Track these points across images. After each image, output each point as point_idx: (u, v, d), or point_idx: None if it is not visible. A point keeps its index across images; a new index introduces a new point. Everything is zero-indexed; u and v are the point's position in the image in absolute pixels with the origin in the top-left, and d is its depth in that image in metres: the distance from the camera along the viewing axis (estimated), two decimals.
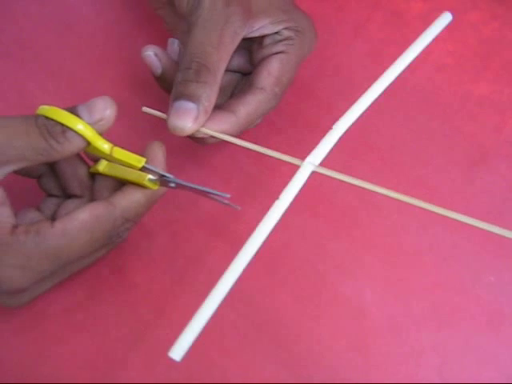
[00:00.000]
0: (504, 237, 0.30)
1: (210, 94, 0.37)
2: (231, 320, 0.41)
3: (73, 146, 0.34)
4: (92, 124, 0.34)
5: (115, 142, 0.36)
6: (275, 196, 0.34)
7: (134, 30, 0.51)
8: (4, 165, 0.33)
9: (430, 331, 0.40)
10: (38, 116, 0.34)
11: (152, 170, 0.36)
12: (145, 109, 0.38)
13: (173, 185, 0.36)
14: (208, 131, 0.38)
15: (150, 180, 0.36)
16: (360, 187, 0.33)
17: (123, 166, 0.36)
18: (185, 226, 0.44)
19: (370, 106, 0.37)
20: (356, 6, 0.50)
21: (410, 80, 0.47)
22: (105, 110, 0.34)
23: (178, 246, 0.43)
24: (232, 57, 0.42)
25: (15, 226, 0.34)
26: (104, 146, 0.35)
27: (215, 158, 0.46)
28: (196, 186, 0.36)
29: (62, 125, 0.34)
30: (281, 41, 0.41)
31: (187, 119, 0.37)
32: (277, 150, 0.36)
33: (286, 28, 0.41)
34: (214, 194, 0.35)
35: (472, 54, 0.48)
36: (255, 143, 0.36)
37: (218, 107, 0.39)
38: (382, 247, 0.43)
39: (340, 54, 0.48)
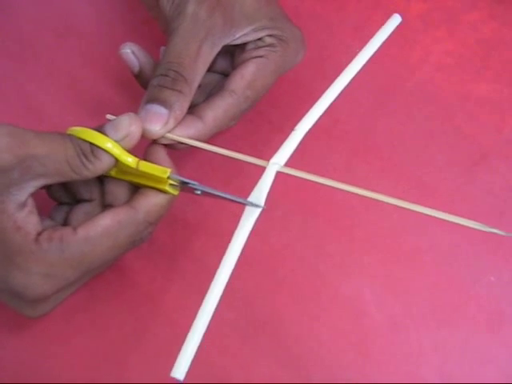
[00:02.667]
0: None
1: (183, 104, 0.37)
2: (231, 320, 0.41)
3: (103, 164, 0.35)
4: (118, 141, 0.35)
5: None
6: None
7: (134, 31, 0.51)
8: (41, 177, 0.33)
9: (429, 331, 0.40)
10: (71, 135, 0.35)
11: (178, 179, 0.36)
12: (109, 116, 0.38)
13: (198, 192, 0.36)
14: (173, 137, 0.37)
15: (171, 186, 0.36)
16: (324, 185, 0.33)
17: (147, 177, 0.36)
18: (185, 226, 0.44)
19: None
20: (356, 6, 0.50)
21: (410, 80, 0.47)
22: (130, 126, 0.35)
23: (178, 246, 0.43)
24: (215, 60, 0.42)
25: (39, 233, 0.34)
26: (129, 160, 0.35)
27: (215, 158, 0.46)
28: (221, 194, 0.35)
29: (92, 144, 0.34)
30: (262, 47, 0.41)
31: (157, 123, 0.37)
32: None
33: (269, 35, 0.41)
34: (239, 201, 0.35)
35: (472, 54, 0.48)
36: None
37: (187, 112, 0.39)
38: (382, 247, 0.43)
39: (340, 54, 0.48)
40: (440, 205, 0.43)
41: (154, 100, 0.37)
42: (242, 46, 0.41)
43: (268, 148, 0.38)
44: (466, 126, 0.45)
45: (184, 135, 0.38)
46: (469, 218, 0.31)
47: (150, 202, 0.36)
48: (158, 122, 0.37)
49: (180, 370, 0.30)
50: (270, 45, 0.41)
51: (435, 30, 0.48)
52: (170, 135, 0.37)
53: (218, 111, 0.39)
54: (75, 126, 0.36)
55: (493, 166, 0.44)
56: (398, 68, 0.47)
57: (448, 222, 0.31)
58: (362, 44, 0.48)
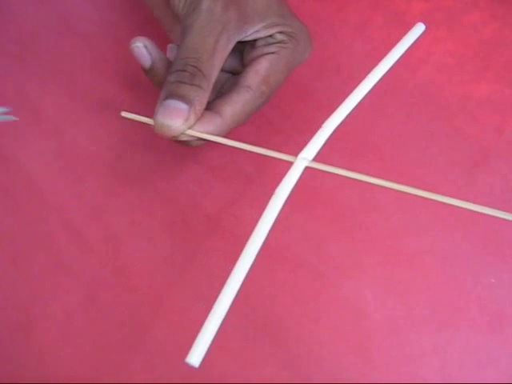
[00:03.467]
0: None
1: (202, 99, 0.37)
2: (231, 321, 0.41)
3: None
4: None
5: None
6: (269, 191, 0.34)
7: (135, 31, 0.51)
8: None
9: (430, 333, 0.40)
10: None
11: None
12: (124, 113, 0.38)
13: None
14: (194, 133, 0.37)
15: None
16: (356, 180, 0.33)
17: None
18: (185, 225, 0.44)
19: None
20: (357, 7, 0.50)
21: (411, 80, 0.47)
22: None
23: (178, 246, 0.43)
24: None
25: None
26: None
27: (214, 158, 0.46)
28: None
29: None
30: (273, 43, 0.41)
31: (177, 118, 0.36)
32: (276, 150, 0.36)
33: (279, 32, 0.41)
34: None
35: (473, 55, 0.48)
36: (254, 143, 0.36)
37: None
38: (383, 248, 0.43)
39: (340, 55, 0.48)
40: (441, 206, 0.43)
41: (172, 95, 0.37)
42: (251, 44, 0.42)
43: (268, 148, 0.38)
44: (467, 127, 0.45)
45: (204, 131, 0.38)
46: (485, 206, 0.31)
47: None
48: (179, 117, 0.36)
49: (196, 356, 0.30)
50: (280, 41, 0.41)
51: (436, 30, 0.48)
52: (190, 131, 0.37)
53: (236, 106, 0.39)
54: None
55: (494, 166, 0.44)
56: (399, 68, 0.47)
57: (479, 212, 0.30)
58: (363, 44, 0.48)
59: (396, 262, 0.42)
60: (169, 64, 0.40)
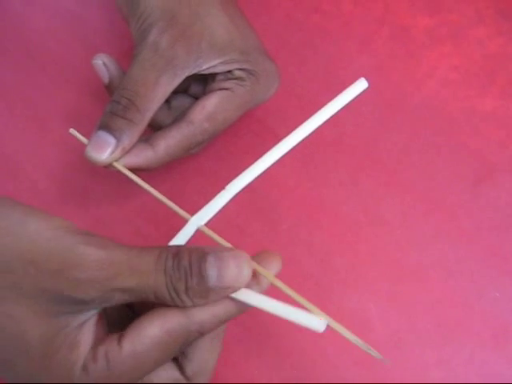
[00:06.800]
0: None
1: (133, 133, 0.37)
2: (235, 333, 0.41)
3: (194, 304, 0.30)
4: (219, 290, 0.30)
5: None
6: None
7: None
8: (119, 302, 0.30)
9: (434, 346, 0.40)
10: (167, 260, 0.29)
11: None
12: (72, 131, 0.38)
13: None
14: (119, 167, 0.37)
15: None
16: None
17: None
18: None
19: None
20: (362, 21, 0.50)
21: (416, 95, 0.47)
22: (236, 280, 0.30)
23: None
24: (189, 83, 0.42)
25: (92, 347, 0.30)
26: None
27: (215, 165, 0.46)
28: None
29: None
30: (231, 79, 0.40)
31: (103, 152, 0.36)
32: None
33: (239, 69, 0.40)
34: None
35: (478, 69, 0.48)
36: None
37: (141, 139, 0.39)
38: (387, 262, 0.43)
39: (345, 69, 0.48)
40: (445, 219, 0.44)
41: (103, 127, 0.37)
42: (213, 75, 0.41)
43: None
44: (472, 142, 0.46)
45: (132, 163, 0.38)
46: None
47: (208, 312, 0.30)
48: (104, 151, 0.36)
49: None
50: (238, 78, 0.40)
51: (441, 45, 0.49)
52: (115, 164, 0.37)
53: (170, 141, 0.39)
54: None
55: (498, 181, 0.44)
56: (404, 83, 0.47)
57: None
58: (368, 59, 0.49)
59: (400, 276, 0.42)
60: None
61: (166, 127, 0.40)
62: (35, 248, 0.29)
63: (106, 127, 0.37)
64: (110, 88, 0.41)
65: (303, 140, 0.35)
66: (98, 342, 0.30)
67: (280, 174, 0.40)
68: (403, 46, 0.49)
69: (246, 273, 0.30)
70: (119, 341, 0.30)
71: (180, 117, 0.40)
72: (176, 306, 0.30)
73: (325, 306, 0.41)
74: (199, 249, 0.30)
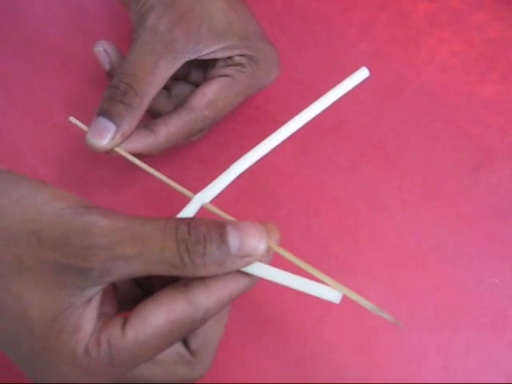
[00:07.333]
0: None
1: (132, 118, 0.37)
2: (234, 319, 0.41)
3: (207, 272, 0.29)
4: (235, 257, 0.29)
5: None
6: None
7: None
8: (124, 276, 0.29)
9: (433, 332, 0.40)
10: (179, 227, 0.29)
11: None
12: (71, 119, 0.38)
13: None
14: (120, 151, 0.37)
15: None
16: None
17: None
18: None
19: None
20: (362, 7, 0.50)
21: (415, 80, 0.47)
22: (257, 248, 0.29)
23: None
24: (189, 70, 0.42)
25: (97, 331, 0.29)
26: None
27: (215, 152, 0.46)
28: None
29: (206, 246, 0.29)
30: (231, 65, 0.40)
31: (103, 138, 0.36)
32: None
33: (239, 55, 0.40)
34: None
35: (477, 55, 0.48)
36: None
37: (142, 126, 0.39)
38: (386, 248, 0.43)
39: (345, 55, 0.48)
40: (444, 206, 0.43)
41: (103, 113, 0.37)
42: (213, 61, 0.41)
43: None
44: (471, 128, 0.45)
45: (133, 148, 0.38)
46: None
47: (212, 299, 0.30)
48: (104, 137, 0.36)
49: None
50: (238, 64, 0.40)
51: (441, 31, 0.48)
52: (117, 149, 0.37)
53: (171, 128, 0.39)
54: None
55: (498, 167, 0.44)
56: (404, 69, 0.47)
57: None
58: (368, 44, 0.48)
59: (399, 262, 0.42)
60: None
61: (166, 114, 0.40)
62: (40, 217, 0.29)
63: (105, 113, 0.37)
64: (111, 74, 0.41)
65: (303, 127, 0.35)
66: (102, 324, 0.29)
67: (279, 160, 0.40)
68: (403, 32, 0.49)
69: (266, 243, 0.30)
70: (123, 326, 0.29)
71: (181, 104, 0.40)
72: (183, 277, 0.29)
73: None
74: (214, 219, 0.29)
